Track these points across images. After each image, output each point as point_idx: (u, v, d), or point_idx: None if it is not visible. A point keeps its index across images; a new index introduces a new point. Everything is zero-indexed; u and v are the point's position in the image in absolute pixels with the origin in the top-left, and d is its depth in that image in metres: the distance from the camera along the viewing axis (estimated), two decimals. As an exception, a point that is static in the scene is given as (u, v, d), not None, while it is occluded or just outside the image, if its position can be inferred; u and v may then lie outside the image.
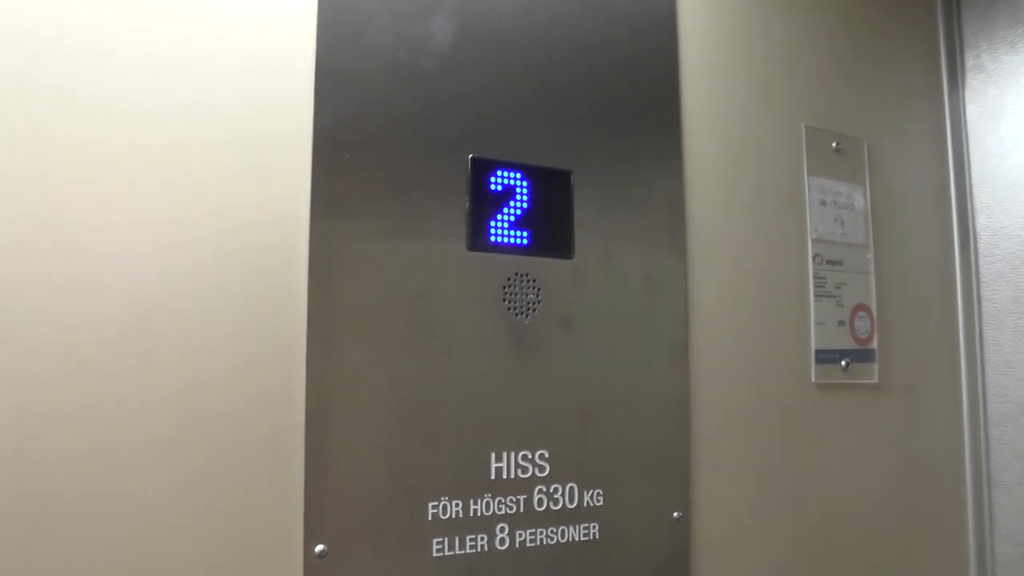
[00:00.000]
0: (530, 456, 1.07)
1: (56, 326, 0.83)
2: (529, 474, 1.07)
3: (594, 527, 1.11)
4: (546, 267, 1.10)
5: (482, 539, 1.03)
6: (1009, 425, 1.49)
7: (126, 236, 0.87)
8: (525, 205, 1.09)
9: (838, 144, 1.43)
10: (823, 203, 1.39)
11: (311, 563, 0.92)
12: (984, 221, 1.56)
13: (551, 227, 1.11)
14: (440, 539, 1.00)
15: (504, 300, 1.07)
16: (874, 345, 1.43)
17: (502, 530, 1.05)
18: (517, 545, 1.05)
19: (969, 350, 1.55)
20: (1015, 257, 1.50)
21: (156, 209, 0.89)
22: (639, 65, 1.22)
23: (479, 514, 1.03)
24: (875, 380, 1.42)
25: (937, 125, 1.60)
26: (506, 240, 1.08)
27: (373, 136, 1.01)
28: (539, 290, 1.09)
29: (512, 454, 1.06)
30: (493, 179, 1.08)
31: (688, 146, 1.26)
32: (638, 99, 1.21)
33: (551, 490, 1.08)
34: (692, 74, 1.28)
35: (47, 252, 0.83)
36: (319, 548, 0.93)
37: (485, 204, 1.07)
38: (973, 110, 1.60)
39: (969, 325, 1.56)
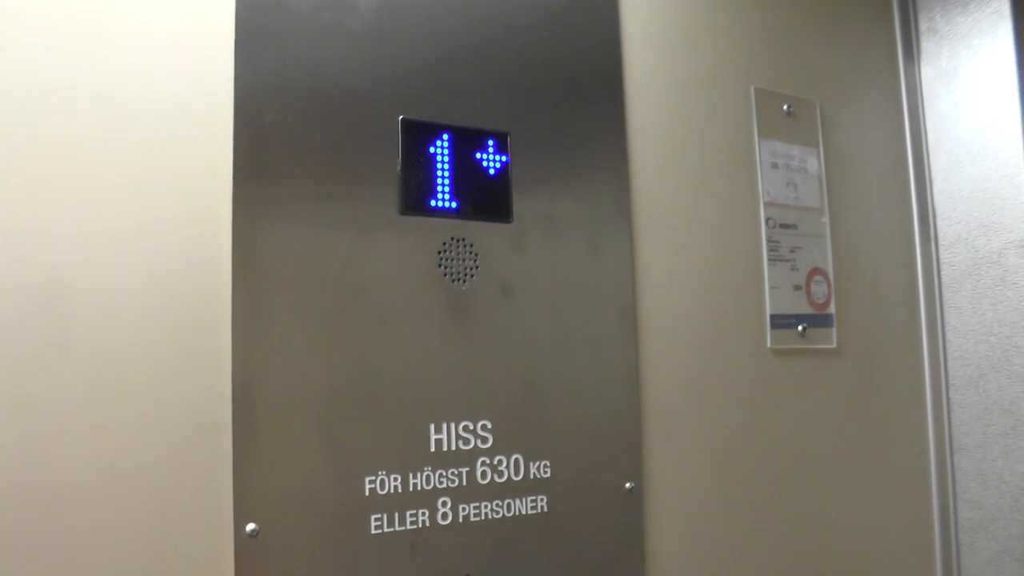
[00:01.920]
0: (472, 427, 1.04)
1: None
2: (471, 446, 1.03)
3: (542, 500, 1.08)
4: (483, 232, 1.07)
5: (423, 514, 0.99)
6: (970, 388, 1.47)
7: (36, 202, 0.83)
8: (459, 168, 1.06)
9: (790, 107, 1.40)
10: (775, 166, 1.36)
11: (242, 543, 0.88)
12: (941, 184, 1.54)
13: (487, 190, 1.08)
14: (379, 515, 0.96)
15: (440, 266, 1.03)
16: (832, 310, 1.40)
17: (444, 504, 1.01)
18: (460, 520, 1.02)
19: (929, 314, 1.53)
20: (972, 219, 1.48)
21: (69, 173, 0.84)
22: (579, 25, 1.18)
23: (419, 488, 0.99)
24: (833, 345, 1.40)
25: (892, 88, 1.58)
26: (440, 204, 1.04)
27: (298, 97, 0.97)
28: (476, 255, 1.06)
29: (452, 425, 1.02)
30: (425, 141, 1.04)
31: (632, 109, 1.22)
32: (578, 61, 1.18)
33: (495, 462, 1.05)
34: (635, 35, 1.25)
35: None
36: (250, 527, 0.89)
37: (417, 167, 1.03)
38: (928, 73, 1.58)
39: (929, 289, 1.53)
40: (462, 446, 1.03)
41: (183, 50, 0.92)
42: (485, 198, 1.07)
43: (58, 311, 0.83)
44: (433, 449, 1.01)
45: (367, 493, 0.96)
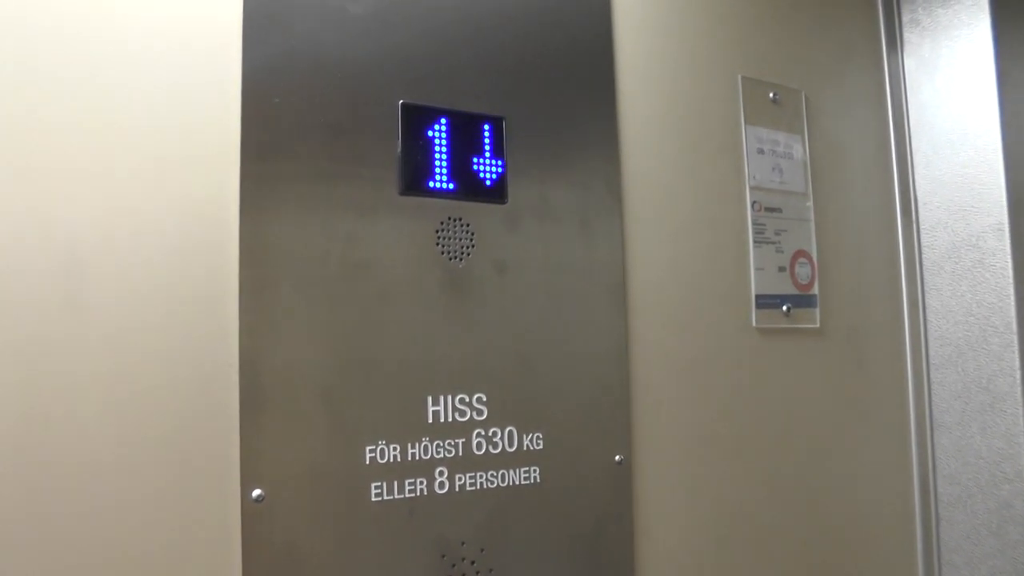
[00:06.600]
0: (467, 399, 1.08)
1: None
2: (467, 417, 1.07)
3: (535, 471, 1.12)
4: (480, 212, 1.11)
5: (421, 483, 1.03)
6: (950, 368, 1.52)
7: (58, 180, 0.86)
8: (457, 150, 1.09)
9: (775, 95, 1.44)
10: (760, 151, 1.40)
11: (248, 508, 0.92)
12: (923, 170, 1.59)
13: (484, 172, 1.11)
14: (379, 483, 1.00)
15: (438, 244, 1.07)
16: (815, 291, 1.44)
17: (441, 474, 1.05)
18: (457, 489, 1.06)
19: (910, 295, 1.57)
20: (952, 203, 1.53)
21: (89, 154, 0.88)
22: (572, 14, 1.22)
23: (417, 458, 1.03)
24: (817, 325, 1.44)
25: (876, 77, 1.62)
26: (438, 185, 1.08)
27: (302, 81, 1.00)
28: (473, 234, 1.10)
29: (449, 397, 1.06)
30: (424, 125, 1.07)
31: (622, 95, 1.26)
32: (571, 48, 1.21)
33: (490, 433, 1.09)
34: (626, 23, 1.28)
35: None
36: (256, 492, 0.92)
37: (416, 149, 1.06)
38: (910, 63, 1.63)
39: (910, 271, 1.58)
40: (458, 418, 1.07)
41: (195, 34, 0.95)
42: (481, 180, 1.11)
43: (74, 283, 0.86)
44: (431, 420, 1.05)
45: (367, 462, 1.00)
